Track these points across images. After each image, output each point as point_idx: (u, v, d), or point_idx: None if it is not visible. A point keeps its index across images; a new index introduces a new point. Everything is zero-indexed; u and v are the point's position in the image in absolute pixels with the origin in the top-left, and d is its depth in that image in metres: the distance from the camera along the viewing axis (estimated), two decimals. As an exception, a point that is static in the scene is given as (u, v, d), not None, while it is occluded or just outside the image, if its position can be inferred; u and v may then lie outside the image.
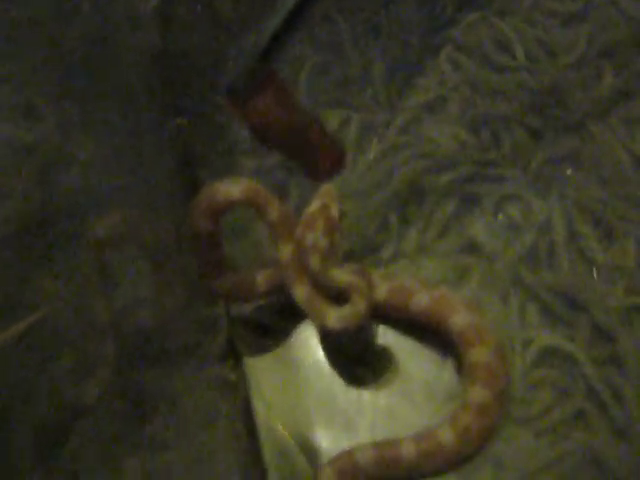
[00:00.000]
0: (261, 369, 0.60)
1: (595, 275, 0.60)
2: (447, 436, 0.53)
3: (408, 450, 0.53)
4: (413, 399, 0.58)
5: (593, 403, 0.56)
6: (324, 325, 0.55)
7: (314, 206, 0.57)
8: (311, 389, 0.59)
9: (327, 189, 0.58)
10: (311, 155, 0.51)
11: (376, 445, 0.55)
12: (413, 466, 0.54)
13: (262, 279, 0.58)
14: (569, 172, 0.64)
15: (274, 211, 0.56)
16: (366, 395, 0.58)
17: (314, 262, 0.55)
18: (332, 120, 0.67)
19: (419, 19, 0.73)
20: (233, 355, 0.59)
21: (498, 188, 0.63)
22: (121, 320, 0.49)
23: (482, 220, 0.62)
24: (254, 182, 0.57)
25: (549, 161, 0.65)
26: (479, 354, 0.54)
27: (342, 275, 0.55)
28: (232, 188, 0.56)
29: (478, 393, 0.54)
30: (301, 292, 0.56)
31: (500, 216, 0.63)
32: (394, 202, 0.63)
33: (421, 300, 0.56)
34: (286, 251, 0.56)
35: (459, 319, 0.55)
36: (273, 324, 0.61)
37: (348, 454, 0.54)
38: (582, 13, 0.73)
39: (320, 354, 0.60)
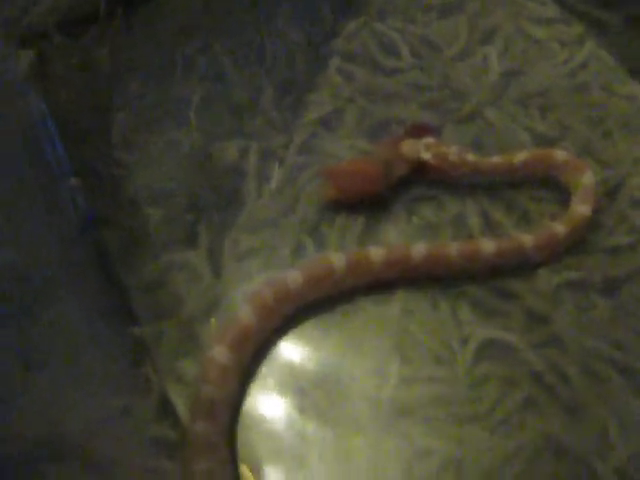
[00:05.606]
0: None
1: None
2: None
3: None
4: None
5: (540, 387, 0.55)
6: None
7: None
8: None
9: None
10: None
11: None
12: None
13: None
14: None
15: None
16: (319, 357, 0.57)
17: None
18: (231, 151, 0.66)
19: (300, 34, 0.73)
20: (170, 413, 0.56)
21: (406, 191, 0.63)
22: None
23: (396, 226, 0.61)
24: None
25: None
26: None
27: None
28: None
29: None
30: None
31: (414, 219, 0.62)
32: (305, 225, 0.62)
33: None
34: None
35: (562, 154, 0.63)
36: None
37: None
38: (458, 3, 0.73)
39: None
